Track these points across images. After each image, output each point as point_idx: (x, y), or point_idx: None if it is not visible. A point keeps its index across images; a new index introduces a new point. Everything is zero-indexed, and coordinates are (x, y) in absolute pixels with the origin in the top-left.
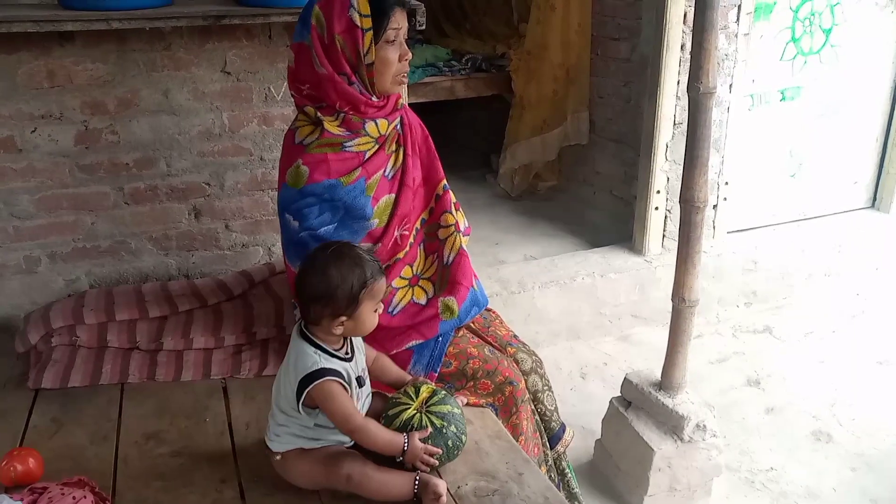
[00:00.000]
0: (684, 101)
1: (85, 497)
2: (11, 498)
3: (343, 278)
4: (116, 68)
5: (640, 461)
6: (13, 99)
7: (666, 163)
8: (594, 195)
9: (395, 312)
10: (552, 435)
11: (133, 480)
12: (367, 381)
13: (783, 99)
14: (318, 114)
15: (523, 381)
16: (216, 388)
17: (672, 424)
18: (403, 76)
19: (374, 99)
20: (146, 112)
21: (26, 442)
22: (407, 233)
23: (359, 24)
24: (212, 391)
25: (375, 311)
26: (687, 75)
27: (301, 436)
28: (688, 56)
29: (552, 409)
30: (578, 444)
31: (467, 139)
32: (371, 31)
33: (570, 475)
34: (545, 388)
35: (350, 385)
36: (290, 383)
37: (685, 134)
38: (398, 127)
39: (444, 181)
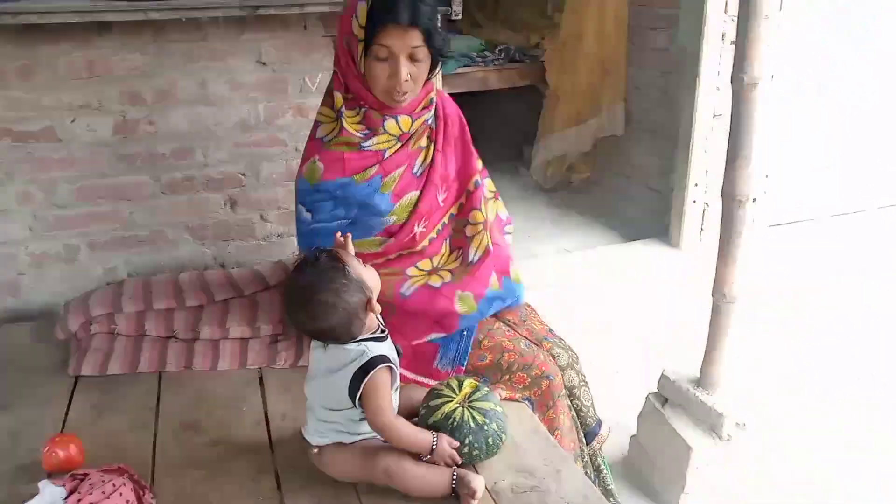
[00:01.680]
0: (724, 92)
1: (125, 485)
2: (53, 483)
3: (340, 285)
4: (154, 59)
5: (676, 459)
6: (54, 89)
7: (704, 155)
8: (629, 187)
9: (407, 294)
10: (588, 431)
11: (171, 469)
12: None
13: (824, 90)
14: (343, 107)
15: (560, 376)
16: (252, 378)
17: (710, 422)
18: (398, 94)
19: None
20: (183, 103)
21: (67, 428)
22: (426, 230)
23: (356, 33)
24: (248, 381)
25: (364, 263)
26: (727, 65)
27: (344, 430)
28: (728, 46)
29: (588, 404)
30: (612, 439)
31: (499, 130)
32: (363, 43)
33: (605, 472)
34: (581, 383)
35: (395, 365)
36: (337, 381)
37: (725, 126)
38: (430, 121)
39: (477, 176)
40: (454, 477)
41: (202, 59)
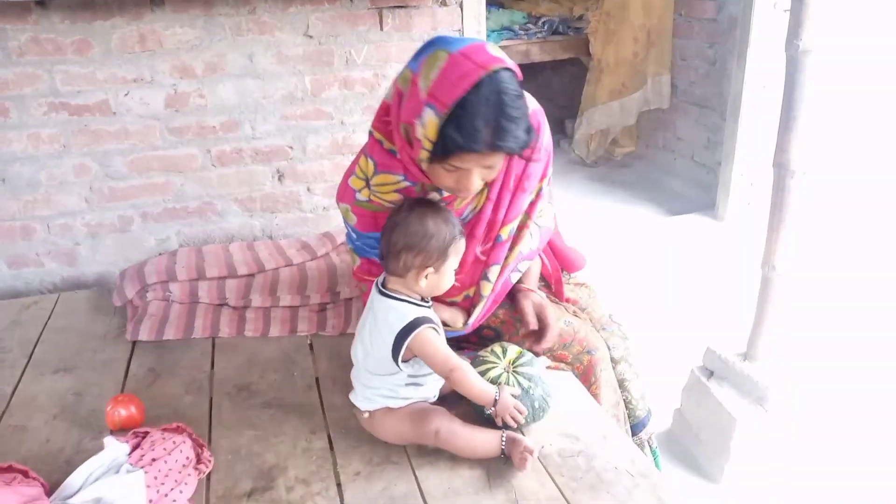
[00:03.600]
0: (774, 63)
1: (185, 442)
2: (117, 440)
3: (438, 229)
4: (204, 32)
5: (721, 431)
6: (108, 63)
7: (753, 127)
8: (674, 161)
9: None
10: (637, 422)
11: (227, 429)
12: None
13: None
14: (376, 172)
15: (602, 348)
16: (302, 343)
17: (757, 395)
18: (462, 194)
19: None
20: (232, 76)
21: (126, 390)
22: (459, 285)
23: (420, 138)
24: (298, 347)
25: (455, 269)
26: (779, 35)
27: (391, 396)
28: (780, 14)
29: (638, 397)
30: (656, 413)
31: (541, 104)
32: (429, 154)
33: (655, 460)
34: (633, 376)
35: (440, 328)
36: (383, 342)
37: (776, 96)
38: None
39: (512, 225)
40: (503, 438)
41: (250, 33)
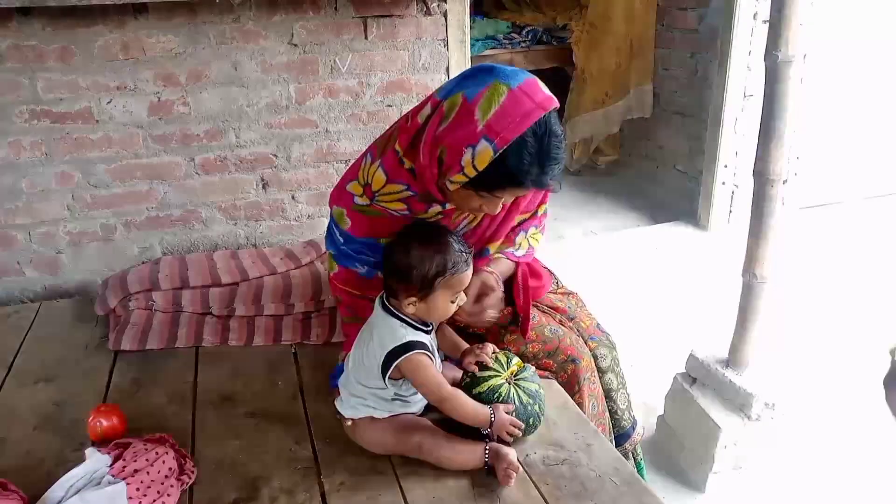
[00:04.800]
0: (755, 72)
1: (167, 453)
2: (99, 451)
3: (422, 260)
4: (187, 40)
5: (705, 438)
6: (90, 71)
7: (734, 136)
8: (657, 170)
9: None
10: (622, 433)
11: (211, 439)
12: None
13: (857, 70)
14: (386, 184)
15: (586, 357)
16: (286, 353)
17: (739, 402)
18: (480, 213)
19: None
20: (216, 84)
21: (108, 400)
22: None
23: (462, 163)
24: (283, 356)
25: (453, 301)
26: (759, 45)
27: (376, 408)
28: (760, 24)
29: (624, 407)
30: (639, 420)
31: None
32: (467, 180)
33: (640, 471)
34: (619, 386)
35: (434, 355)
36: (374, 356)
37: (755, 106)
38: None
39: (495, 244)
40: (487, 451)
41: (235, 41)
